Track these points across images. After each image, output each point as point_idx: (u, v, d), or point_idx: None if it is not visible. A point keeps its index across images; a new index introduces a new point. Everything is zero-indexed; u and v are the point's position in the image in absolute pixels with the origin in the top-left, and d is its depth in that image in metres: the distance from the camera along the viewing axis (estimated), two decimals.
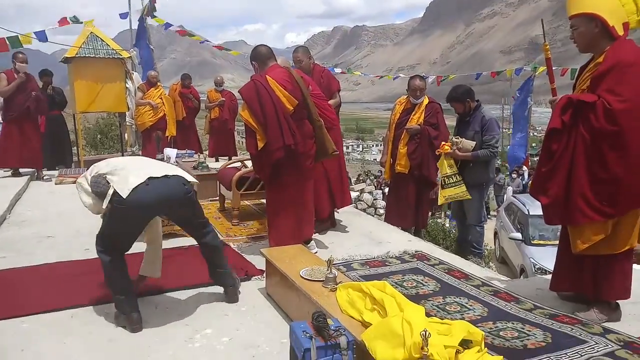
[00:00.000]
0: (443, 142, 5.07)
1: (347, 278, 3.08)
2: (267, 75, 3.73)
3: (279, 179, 3.86)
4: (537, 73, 11.58)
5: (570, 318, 2.94)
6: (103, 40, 8.74)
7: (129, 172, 2.81)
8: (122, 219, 2.79)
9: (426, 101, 5.50)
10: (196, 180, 3.14)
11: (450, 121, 5.67)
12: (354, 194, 13.38)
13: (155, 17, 11.51)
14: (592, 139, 2.70)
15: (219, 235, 3.15)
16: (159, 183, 2.82)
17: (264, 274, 3.51)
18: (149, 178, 2.78)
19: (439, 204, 5.32)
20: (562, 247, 3.12)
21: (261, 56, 3.89)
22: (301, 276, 2.90)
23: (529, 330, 2.79)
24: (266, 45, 4.05)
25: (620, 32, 2.79)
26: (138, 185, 2.73)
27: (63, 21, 9.71)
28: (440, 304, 3.18)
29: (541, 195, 2.93)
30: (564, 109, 2.77)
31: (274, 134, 3.67)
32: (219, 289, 3.27)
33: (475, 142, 4.90)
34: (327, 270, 2.80)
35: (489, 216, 14.06)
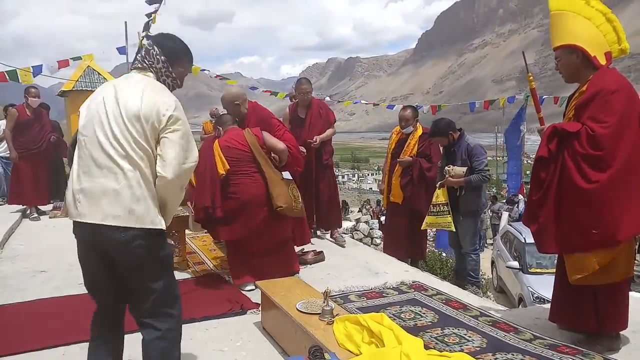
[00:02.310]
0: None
1: (344, 310, 3.04)
2: (216, 140, 4.16)
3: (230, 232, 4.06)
4: (529, 102, 11.75)
5: (571, 348, 2.90)
6: (100, 74, 8.85)
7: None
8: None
9: (420, 131, 5.52)
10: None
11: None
12: (350, 224, 13.36)
13: None
14: (577, 166, 2.73)
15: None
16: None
17: (260, 308, 3.46)
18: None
19: (421, 228, 5.34)
20: (558, 277, 3.11)
21: (222, 122, 4.39)
22: (297, 309, 2.86)
23: None
24: (228, 109, 4.46)
25: (603, 62, 2.87)
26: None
27: (63, 62, 9.74)
28: (439, 336, 3.14)
29: (532, 223, 2.97)
30: (550, 137, 2.83)
31: (198, 194, 4.01)
32: (214, 323, 3.22)
33: (466, 168, 4.93)
34: (324, 302, 2.77)
35: (485, 245, 13.99)
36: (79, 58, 9.75)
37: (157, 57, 2.23)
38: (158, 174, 2.06)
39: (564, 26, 2.98)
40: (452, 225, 4.95)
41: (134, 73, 2.25)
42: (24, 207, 7.36)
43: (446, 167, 4.99)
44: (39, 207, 7.33)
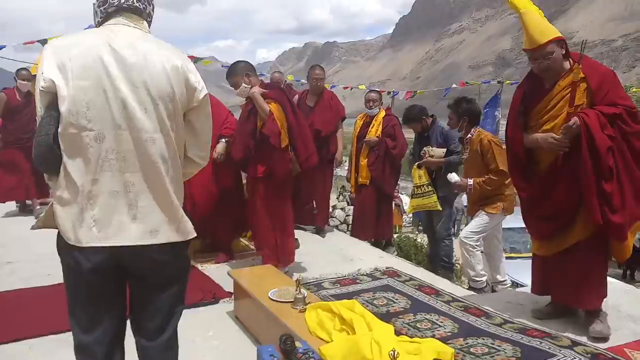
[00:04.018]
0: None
1: (317, 298, 3.04)
2: None
3: None
4: (503, 88, 11.87)
5: (539, 332, 2.96)
6: None
7: None
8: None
9: (383, 114, 5.66)
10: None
11: (409, 133, 5.80)
12: None
13: None
14: (628, 144, 2.81)
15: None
16: None
17: (233, 297, 3.44)
18: None
19: (407, 212, 5.39)
20: (558, 263, 3.10)
21: None
22: (269, 297, 2.85)
23: (499, 346, 2.79)
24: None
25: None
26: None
27: (29, 43, 9.43)
28: (411, 322, 3.16)
29: (613, 215, 2.81)
30: (603, 125, 2.78)
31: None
32: (185, 313, 3.17)
33: (445, 150, 4.99)
34: (297, 290, 2.76)
35: (460, 230, 14.14)
36: (46, 41, 9.45)
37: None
38: (194, 160, 1.86)
39: (539, 22, 2.95)
40: (438, 204, 5.00)
41: (125, 22, 1.73)
42: (19, 204, 6.69)
43: (425, 148, 5.02)
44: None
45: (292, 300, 2.76)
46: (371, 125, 5.64)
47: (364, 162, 5.61)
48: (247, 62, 4.20)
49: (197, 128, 1.82)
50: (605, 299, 3.05)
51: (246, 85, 3.92)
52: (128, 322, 1.86)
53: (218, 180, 4.36)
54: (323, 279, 3.97)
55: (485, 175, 4.16)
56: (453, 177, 4.39)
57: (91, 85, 1.59)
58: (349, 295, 3.53)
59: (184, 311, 1.92)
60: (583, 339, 2.88)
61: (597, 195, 2.80)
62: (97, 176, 1.62)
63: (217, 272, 4.13)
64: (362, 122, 5.81)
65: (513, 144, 3.13)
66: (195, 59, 14.01)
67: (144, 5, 1.76)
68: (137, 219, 1.65)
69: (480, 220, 4.24)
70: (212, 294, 3.57)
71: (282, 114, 3.90)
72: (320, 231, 5.66)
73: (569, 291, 3.07)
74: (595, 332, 2.91)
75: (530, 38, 2.91)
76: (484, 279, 4.37)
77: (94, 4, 1.75)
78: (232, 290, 3.45)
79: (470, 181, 4.20)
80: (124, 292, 1.81)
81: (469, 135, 4.37)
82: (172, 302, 1.82)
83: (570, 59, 2.94)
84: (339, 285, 3.82)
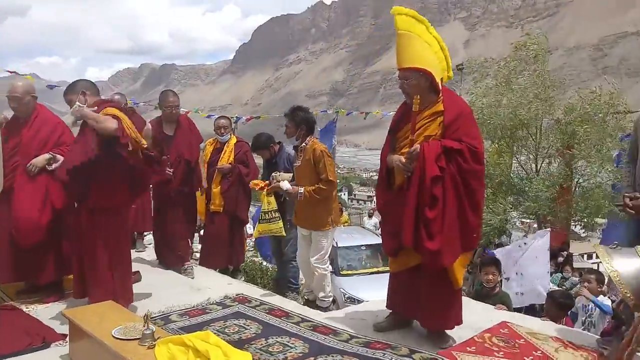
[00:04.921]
0: (253, 181, 5.20)
1: (166, 332, 2.89)
2: None
3: None
4: (338, 117, 12.75)
5: (382, 344, 3.19)
6: None
7: None
8: None
9: (234, 140, 5.70)
10: None
11: (258, 159, 5.91)
12: None
13: None
14: (463, 180, 3.03)
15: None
16: None
17: (67, 339, 3.10)
18: None
19: (253, 237, 5.43)
20: (407, 281, 3.31)
21: None
22: (113, 336, 2.63)
23: None
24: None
25: (440, 86, 3.19)
26: None
27: None
28: (263, 347, 3.18)
29: (430, 240, 2.99)
30: (438, 156, 3.00)
31: None
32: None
33: (292, 174, 5.13)
34: (144, 326, 2.60)
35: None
36: None
37: None
38: None
39: (413, 48, 3.16)
40: (283, 231, 5.07)
41: None
42: None
43: (273, 174, 5.09)
44: None
45: (140, 336, 2.59)
46: (223, 152, 5.58)
47: (216, 189, 5.52)
48: (89, 81, 3.84)
49: None
50: None
51: (80, 105, 3.51)
52: None
53: (44, 210, 3.83)
54: (170, 311, 3.79)
55: (315, 184, 4.34)
56: (284, 184, 4.47)
57: None
58: (199, 326, 3.42)
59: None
60: (423, 347, 3.17)
61: (416, 219, 3.03)
62: None
63: (47, 313, 3.69)
64: (212, 148, 5.73)
65: (380, 161, 3.38)
66: (14, 74, 12.54)
67: None
68: None
69: (319, 243, 4.45)
70: (41, 338, 3.17)
71: (126, 117, 3.51)
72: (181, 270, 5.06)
73: (420, 312, 3.28)
74: (446, 345, 3.22)
75: (397, 58, 3.20)
76: (331, 299, 4.59)
77: None
78: (66, 332, 3.11)
79: (301, 189, 4.34)
80: None
81: (304, 144, 4.49)
82: None
83: (439, 93, 3.16)
84: (188, 317, 3.68)
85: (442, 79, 3.22)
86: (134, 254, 4.55)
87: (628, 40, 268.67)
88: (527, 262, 6.71)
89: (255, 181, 5.14)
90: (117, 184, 3.56)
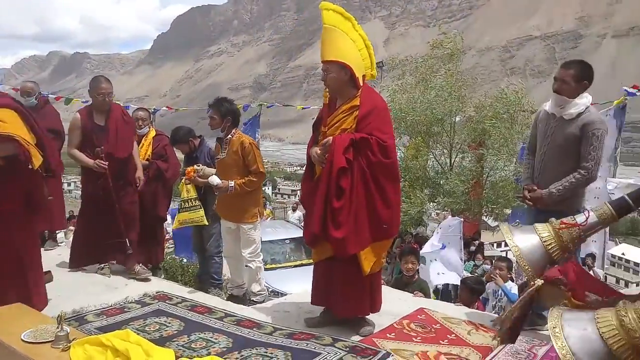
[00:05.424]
0: (188, 168, 5.04)
1: (82, 333, 2.77)
2: None
3: None
4: (262, 111, 12.68)
5: (306, 334, 3.25)
6: None
7: None
8: None
9: (153, 133, 5.42)
10: None
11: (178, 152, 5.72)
12: None
13: None
14: (372, 173, 3.11)
15: None
16: None
17: None
18: None
19: (173, 227, 5.28)
20: (342, 272, 3.31)
21: None
22: (23, 340, 2.48)
23: (272, 353, 2.97)
24: None
25: (361, 82, 3.28)
26: None
27: None
28: (186, 343, 3.13)
29: (336, 229, 3.10)
30: (347, 148, 3.08)
31: None
32: None
33: (216, 169, 5.04)
34: (58, 328, 2.47)
35: None
36: None
37: None
38: None
39: (336, 42, 3.25)
40: (205, 219, 4.97)
41: None
42: None
43: (196, 166, 4.96)
44: None
45: (53, 339, 2.46)
46: (140, 145, 5.28)
47: None
48: None
49: None
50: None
51: None
52: None
53: None
54: (85, 312, 3.62)
55: (245, 176, 4.32)
56: (214, 179, 4.36)
57: None
58: (117, 326, 3.30)
59: None
60: (351, 337, 3.25)
61: (324, 208, 3.14)
62: None
63: None
64: None
65: (307, 152, 3.43)
66: None
67: None
68: None
69: (250, 236, 4.44)
70: None
71: (20, 120, 3.21)
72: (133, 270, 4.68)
73: (335, 299, 3.36)
74: (366, 332, 3.34)
75: (321, 50, 3.28)
76: (265, 292, 4.62)
77: None
78: None
79: (232, 183, 4.29)
80: None
81: (229, 136, 4.42)
82: None
83: (359, 88, 3.26)
84: (105, 317, 3.53)
85: (364, 76, 3.33)
86: (44, 253, 4.28)
87: (533, 44, 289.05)
88: (445, 251, 7.42)
89: (189, 168, 4.97)
90: (10, 190, 3.29)
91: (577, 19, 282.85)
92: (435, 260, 7.34)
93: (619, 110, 7.55)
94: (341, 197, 3.11)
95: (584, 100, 3.38)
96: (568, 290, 1.84)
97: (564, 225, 1.88)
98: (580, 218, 1.84)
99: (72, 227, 6.70)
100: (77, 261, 4.77)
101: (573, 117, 3.36)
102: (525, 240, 1.95)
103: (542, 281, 1.91)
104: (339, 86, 3.26)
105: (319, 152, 3.24)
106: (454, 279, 7.14)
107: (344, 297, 3.30)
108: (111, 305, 3.77)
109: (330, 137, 3.18)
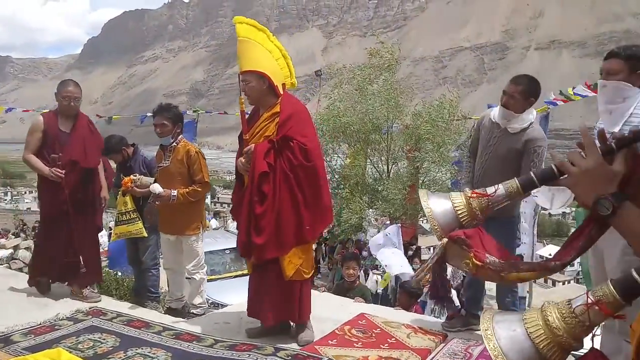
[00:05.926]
0: (125, 179, 4.84)
1: (8, 354, 2.61)
2: None
3: None
4: (199, 118, 12.48)
5: (247, 345, 3.22)
6: None
7: None
8: None
9: None
10: None
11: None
12: (5, 252, 11.42)
13: None
14: (295, 176, 3.12)
15: None
16: None
17: None
18: None
19: (111, 240, 5.07)
20: (267, 279, 3.30)
21: None
22: None
23: None
24: None
25: (281, 91, 3.33)
26: None
27: None
28: (122, 359, 3.01)
29: (257, 235, 3.12)
30: (267, 152, 3.11)
31: None
32: None
33: (153, 179, 4.89)
34: None
35: None
36: None
37: None
38: None
39: (251, 53, 3.30)
40: (144, 231, 4.80)
41: None
42: None
43: (132, 177, 4.78)
44: None
45: None
46: None
47: None
48: None
49: None
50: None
51: None
52: None
53: None
54: (11, 331, 3.39)
55: (189, 186, 4.21)
56: (156, 187, 4.19)
57: None
58: (47, 345, 3.11)
59: None
60: (292, 346, 3.25)
61: (248, 215, 3.18)
62: None
63: None
64: None
65: (235, 163, 3.41)
66: None
67: None
68: None
69: (193, 249, 4.34)
70: None
71: None
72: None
73: (262, 307, 3.35)
74: (303, 341, 3.31)
75: (238, 62, 3.30)
76: (206, 305, 4.52)
77: None
78: None
79: (174, 192, 4.15)
80: None
81: (174, 144, 4.28)
82: None
83: (279, 96, 3.30)
84: (33, 336, 3.33)
85: (284, 85, 3.41)
86: None
87: (463, 54, 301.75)
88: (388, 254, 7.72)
89: (126, 179, 4.77)
90: None
91: (504, 31, 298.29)
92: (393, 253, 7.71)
93: (543, 119, 8.06)
94: (263, 202, 3.15)
95: (530, 116, 3.53)
96: (469, 251, 2.07)
97: (475, 195, 2.05)
98: (490, 189, 2.00)
99: None
100: (34, 279, 4.44)
101: (517, 131, 3.50)
102: (439, 205, 2.11)
103: (447, 239, 2.13)
104: (259, 95, 3.31)
105: (243, 161, 3.27)
106: (398, 270, 7.45)
107: (271, 304, 3.30)
108: (40, 324, 3.57)
109: (252, 145, 3.22)
